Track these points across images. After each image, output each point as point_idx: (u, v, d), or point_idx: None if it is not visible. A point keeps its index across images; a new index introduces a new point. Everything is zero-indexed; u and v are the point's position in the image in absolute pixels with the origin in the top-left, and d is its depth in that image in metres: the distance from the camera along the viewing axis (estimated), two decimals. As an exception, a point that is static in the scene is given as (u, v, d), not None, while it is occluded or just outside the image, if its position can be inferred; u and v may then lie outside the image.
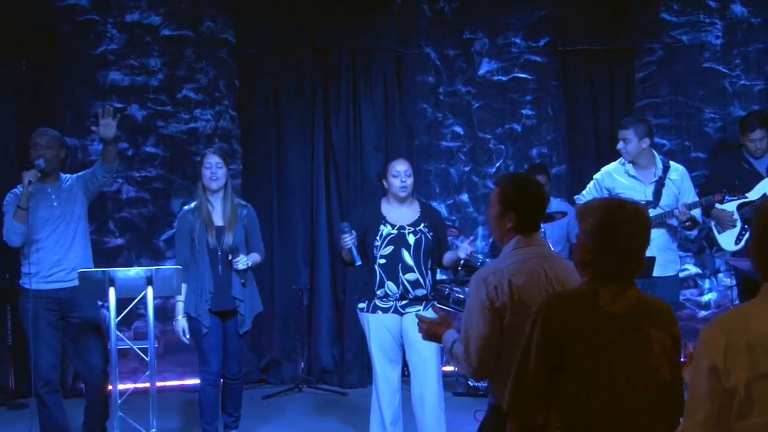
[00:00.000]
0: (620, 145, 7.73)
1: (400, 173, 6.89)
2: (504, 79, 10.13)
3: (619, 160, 7.88)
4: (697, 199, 7.73)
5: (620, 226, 3.49)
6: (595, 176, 7.99)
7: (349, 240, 6.78)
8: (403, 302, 6.80)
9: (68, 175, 7.32)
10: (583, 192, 7.94)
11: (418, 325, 4.73)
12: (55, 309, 7.00)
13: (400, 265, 6.77)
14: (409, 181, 6.90)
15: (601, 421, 3.40)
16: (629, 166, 7.75)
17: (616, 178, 7.78)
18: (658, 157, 7.83)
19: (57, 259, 7.04)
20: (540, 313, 3.49)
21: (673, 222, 7.67)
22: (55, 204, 7.07)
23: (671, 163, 7.90)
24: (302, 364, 9.69)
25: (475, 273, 4.37)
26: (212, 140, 9.63)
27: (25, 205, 6.85)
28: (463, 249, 6.81)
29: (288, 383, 9.67)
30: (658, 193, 7.70)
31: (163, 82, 9.68)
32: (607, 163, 8.04)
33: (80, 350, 7.21)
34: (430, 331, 4.59)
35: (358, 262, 6.84)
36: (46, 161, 7.01)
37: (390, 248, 6.79)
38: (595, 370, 3.41)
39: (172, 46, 9.68)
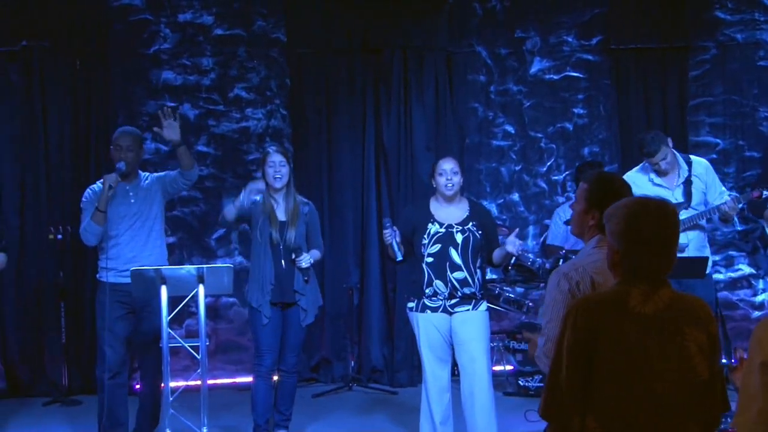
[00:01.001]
0: (664, 166, 7.67)
1: (446, 171, 6.88)
2: (556, 77, 10.10)
3: (638, 168, 7.86)
4: (726, 191, 7.66)
5: (644, 223, 3.43)
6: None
7: (389, 235, 6.79)
8: (452, 301, 6.77)
9: (147, 174, 7.41)
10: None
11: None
12: (126, 303, 7.06)
13: (447, 263, 6.75)
14: (456, 179, 6.88)
15: (639, 423, 3.35)
16: (653, 175, 7.71)
17: (641, 188, 7.62)
18: (679, 156, 7.78)
19: (132, 256, 7.11)
20: (570, 316, 3.45)
21: (703, 222, 7.62)
22: (132, 201, 7.16)
23: (692, 157, 7.85)
24: (352, 362, 9.70)
25: (555, 268, 4.33)
26: (263, 139, 9.65)
27: (103, 207, 6.96)
28: (512, 243, 6.76)
29: (338, 382, 9.69)
30: (688, 194, 7.67)
31: (215, 81, 9.72)
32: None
33: (140, 346, 7.27)
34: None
35: (399, 258, 6.84)
36: (127, 164, 7.11)
37: (437, 246, 6.78)
38: (628, 372, 3.34)
39: (224, 45, 9.72)
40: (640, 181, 7.74)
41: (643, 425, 3.35)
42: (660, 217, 3.44)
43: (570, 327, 3.41)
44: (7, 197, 9.31)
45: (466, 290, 6.75)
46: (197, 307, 6.74)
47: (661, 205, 3.51)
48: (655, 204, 3.51)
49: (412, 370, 9.58)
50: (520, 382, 8.94)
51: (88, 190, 7.32)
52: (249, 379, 8.94)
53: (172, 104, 9.50)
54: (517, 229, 6.99)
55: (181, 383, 7.23)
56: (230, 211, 7.20)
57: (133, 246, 7.14)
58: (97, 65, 9.51)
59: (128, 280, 6.92)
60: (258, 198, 7.12)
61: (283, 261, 7.18)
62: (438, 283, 6.75)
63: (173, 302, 6.68)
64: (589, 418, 3.38)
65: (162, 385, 6.89)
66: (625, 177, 7.68)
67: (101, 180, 7.28)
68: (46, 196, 9.36)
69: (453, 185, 6.86)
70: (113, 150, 7.23)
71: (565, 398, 3.40)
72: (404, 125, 9.83)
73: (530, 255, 8.76)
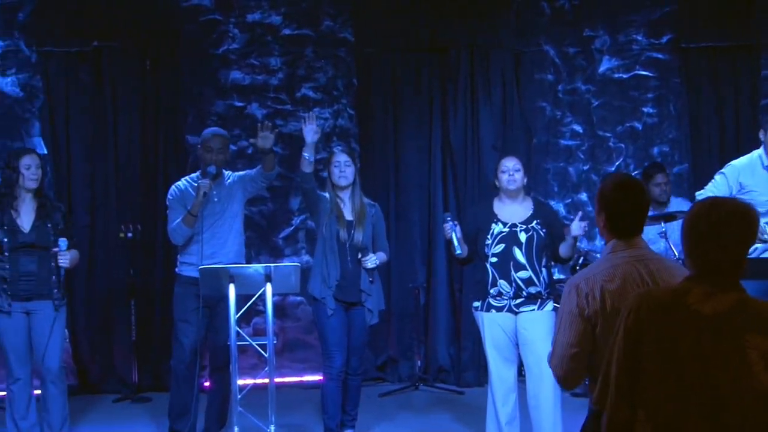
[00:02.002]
0: None
1: (509, 168, 6.86)
2: (625, 76, 10.02)
3: (753, 154, 7.58)
4: None
5: (703, 223, 3.35)
6: (723, 170, 7.64)
7: (449, 229, 6.77)
8: (518, 301, 6.74)
9: (230, 173, 7.49)
10: (706, 187, 7.67)
11: None
12: (205, 297, 7.09)
13: (511, 263, 6.71)
14: (518, 176, 6.85)
15: (688, 423, 3.29)
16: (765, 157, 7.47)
17: (755, 173, 7.46)
18: None
19: (211, 253, 7.20)
20: (626, 309, 3.41)
21: None
22: (215, 200, 7.24)
23: None
24: (419, 362, 9.68)
25: (570, 278, 4.29)
26: (330, 139, 9.68)
27: (195, 212, 7.07)
28: (576, 226, 6.70)
29: (405, 381, 9.69)
30: None
31: (282, 81, 9.76)
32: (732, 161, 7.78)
33: (212, 342, 7.35)
34: None
35: (458, 252, 6.81)
36: (218, 166, 7.21)
37: (501, 246, 6.74)
38: (678, 371, 3.28)
39: (291, 45, 9.76)
40: (754, 166, 7.49)
41: (692, 426, 3.29)
42: (721, 218, 3.35)
43: (623, 321, 3.38)
44: (77, 196, 9.42)
45: (532, 290, 6.72)
46: (265, 305, 6.75)
47: (729, 206, 3.40)
48: (724, 204, 3.43)
49: (478, 370, 9.54)
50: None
51: (173, 187, 7.42)
52: (316, 377, 9.00)
53: (240, 104, 9.60)
54: (581, 212, 6.91)
55: (249, 381, 7.27)
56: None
57: (214, 243, 7.22)
58: (167, 65, 9.60)
59: None
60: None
61: (349, 260, 7.19)
62: (502, 283, 6.72)
63: (241, 301, 6.70)
64: (639, 411, 3.34)
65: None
66: (734, 161, 7.57)
67: (187, 177, 7.41)
68: (115, 194, 9.46)
69: (515, 181, 6.84)
70: (202, 151, 7.32)
71: (614, 392, 3.37)
72: (471, 124, 9.81)
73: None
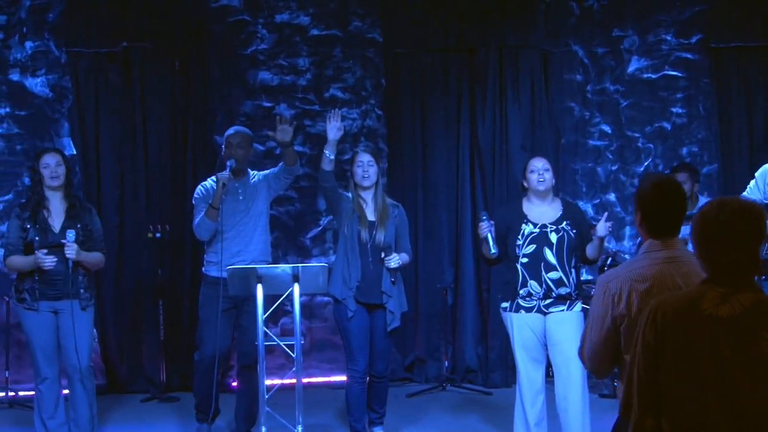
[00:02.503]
0: None
1: (538, 168, 6.83)
2: (654, 76, 9.98)
3: None
4: None
5: (709, 225, 3.34)
6: (756, 173, 7.63)
7: (485, 228, 6.75)
8: (547, 301, 6.71)
9: (255, 172, 7.54)
10: (744, 192, 7.61)
11: None
12: (229, 297, 7.14)
13: (542, 263, 6.69)
14: (547, 176, 6.82)
15: (712, 428, 3.26)
16: None
17: None
18: None
19: (237, 251, 7.25)
20: (643, 318, 3.39)
21: None
22: (240, 198, 7.29)
23: None
24: (446, 362, 9.67)
25: (601, 275, 4.27)
26: (358, 139, 9.68)
27: (217, 204, 7.11)
28: (601, 227, 6.67)
29: (432, 382, 9.68)
30: None
31: (311, 81, 9.77)
32: (763, 163, 7.71)
33: (242, 342, 7.37)
34: None
35: (493, 251, 6.80)
36: (237, 161, 7.25)
37: (532, 247, 6.72)
38: (697, 376, 3.25)
39: (320, 45, 9.76)
40: None
41: (714, 430, 3.26)
42: (729, 218, 3.34)
43: (641, 330, 3.37)
44: (106, 196, 9.46)
45: (562, 290, 6.69)
46: (292, 305, 6.76)
47: (735, 206, 3.38)
48: (730, 203, 3.40)
49: (506, 371, 9.53)
50: (615, 383, 8.83)
51: (199, 186, 7.48)
52: (343, 378, 8.99)
53: (269, 104, 9.61)
54: (607, 213, 6.86)
55: (277, 381, 7.28)
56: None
57: (239, 242, 7.28)
58: (196, 66, 9.64)
59: None
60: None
61: (370, 260, 7.18)
62: (533, 284, 6.70)
63: (269, 301, 6.72)
64: (663, 420, 3.32)
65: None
66: (765, 167, 7.48)
67: (213, 177, 7.43)
68: (144, 195, 9.51)
69: (545, 181, 6.81)
70: (225, 148, 7.38)
71: (636, 399, 3.35)
72: (499, 125, 9.80)
73: (626, 256, 8.69)
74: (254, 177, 7.47)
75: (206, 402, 7.36)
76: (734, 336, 3.25)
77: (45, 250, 6.85)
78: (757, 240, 3.37)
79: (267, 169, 9.29)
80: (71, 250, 6.87)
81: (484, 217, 6.85)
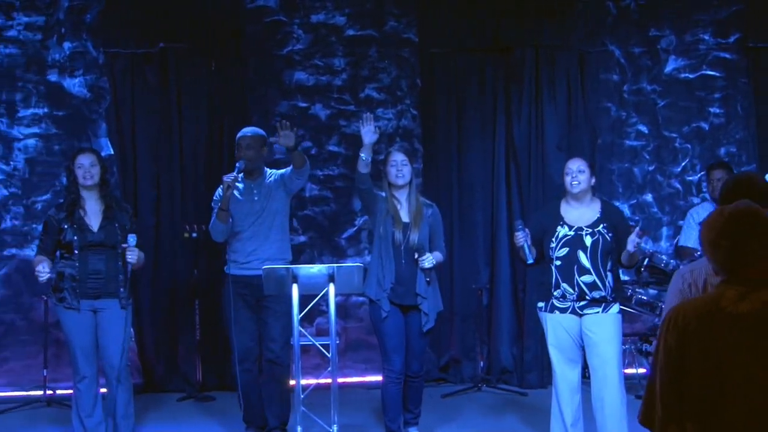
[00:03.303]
0: None
1: (572, 170, 6.78)
2: (691, 76, 9.94)
3: None
4: None
5: (713, 229, 3.34)
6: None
7: (521, 238, 6.73)
8: (581, 303, 6.68)
9: (272, 171, 7.54)
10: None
11: None
12: (249, 294, 7.23)
13: (575, 266, 6.65)
14: (582, 178, 6.75)
15: (738, 428, 3.23)
16: None
17: None
18: None
19: (253, 249, 7.29)
20: (665, 322, 3.37)
21: None
22: (255, 199, 7.31)
23: None
24: (482, 363, 9.66)
25: (678, 269, 4.26)
26: (394, 139, 9.67)
27: (225, 207, 7.13)
28: (631, 241, 6.58)
29: (467, 382, 9.66)
30: None
31: (346, 81, 9.77)
32: None
33: (265, 336, 7.39)
34: None
35: (530, 261, 6.76)
36: (246, 162, 7.25)
37: (565, 250, 6.68)
38: (721, 375, 3.23)
39: (355, 45, 9.77)
40: None
41: (746, 429, 3.24)
42: (742, 218, 3.33)
43: (663, 333, 3.35)
44: (143, 197, 9.51)
45: (595, 294, 6.63)
46: (328, 305, 6.77)
47: (744, 209, 3.38)
48: (744, 206, 3.39)
49: (542, 371, 9.51)
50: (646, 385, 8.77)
51: (219, 188, 7.49)
52: (378, 378, 8.98)
53: (304, 104, 9.63)
54: (637, 228, 6.80)
55: (312, 381, 7.29)
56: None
57: (255, 240, 7.30)
58: (232, 66, 9.67)
59: (248, 272, 7.16)
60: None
61: (404, 262, 7.18)
62: (565, 286, 6.67)
63: (303, 300, 6.73)
64: (687, 424, 3.29)
65: (292, 382, 6.95)
66: None
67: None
68: (180, 195, 9.55)
69: (579, 183, 6.75)
70: (236, 149, 7.42)
71: (659, 405, 3.33)
72: (535, 125, 9.77)
73: (663, 257, 8.63)
74: (270, 176, 7.48)
75: (251, 409, 7.44)
76: (756, 332, 3.25)
77: (45, 264, 6.88)
78: (762, 239, 3.36)
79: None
80: (133, 255, 6.96)
81: (520, 226, 6.78)
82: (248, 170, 7.30)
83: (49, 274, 6.89)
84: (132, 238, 6.95)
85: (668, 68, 9.94)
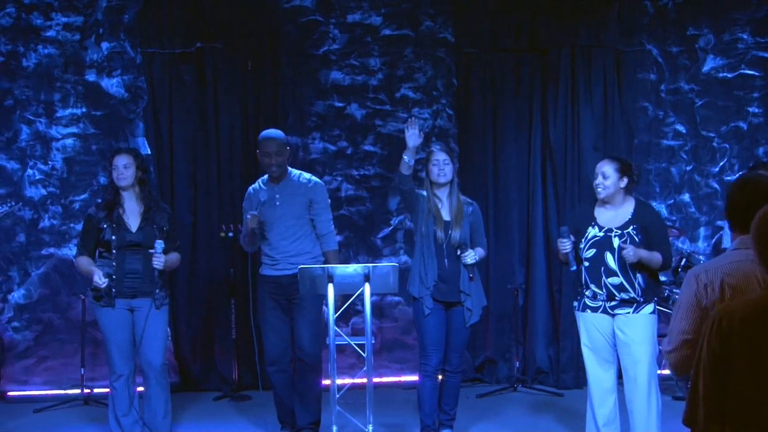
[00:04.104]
0: None
1: (597, 175, 6.76)
2: (730, 76, 9.88)
3: None
4: None
5: (762, 229, 3.30)
6: None
7: (568, 245, 6.70)
8: (612, 303, 6.64)
9: (297, 172, 7.53)
10: None
11: None
12: (279, 293, 7.27)
13: (603, 268, 6.62)
14: (607, 182, 6.68)
15: None
16: None
17: None
18: None
19: (281, 250, 7.32)
20: (707, 326, 3.34)
21: None
22: (277, 204, 7.33)
23: None
24: (517, 363, 9.63)
25: (691, 269, 4.21)
26: (430, 139, 9.64)
27: (250, 240, 7.37)
28: (625, 255, 6.57)
29: (503, 383, 9.65)
30: None
31: (382, 81, 9.77)
32: None
33: (296, 336, 7.40)
34: None
35: (573, 268, 6.75)
36: (277, 167, 7.30)
37: (593, 251, 6.65)
38: (762, 380, 3.20)
39: (391, 45, 9.77)
40: None
41: None
42: None
43: (707, 334, 3.32)
44: (179, 196, 9.55)
45: (624, 296, 6.59)
46: (363, 305, 6.77)
47: None
48: None
49: (578, 372, 9.46)
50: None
51: (249, 189, 7.56)
52: (413, 377, 9.00)
53: (340, 104, 9.64)
54: (627, 238, 6.72)
55: (347, 381, 7.29)
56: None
57: (284, 242, 7.34)
58: (268, 66, 9.69)
59: (279, 272, 7.23)
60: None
61: (446, 260, 7.18)
62: (594, 287, 6.65)
63: (339, 300, 6.73)
64: (730, 426, 3.26)
65: (327, 381, 6.96)
66: None
67: (262, 178, 7.52)
68: (217, 194, 9.58)
69: (604, 188, 6.71)
70: (262, 156, 7.38)
71: (702, 407, 3.30)
72: (571, 125, 9.74)
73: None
74: (297, 179, 7.48)
75: (284, 410, 7.48)
76: None
77: (101, 273, 6.95)
78: None
79: (337, 168, 9.38)
80: (159, 261, 6.99)
81: (566, 234, 6.74)
82: (277, 176, 7.35)
83: (107, 281, 6.97)
84: (159, 245, 6.98)
85: (706, 67, 9.89)
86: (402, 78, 9.80)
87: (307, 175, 7.58)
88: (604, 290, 6.61)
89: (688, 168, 9.94)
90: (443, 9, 9.77)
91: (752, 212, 3.95)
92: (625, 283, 6.57)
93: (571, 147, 9.72)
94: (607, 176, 6.70)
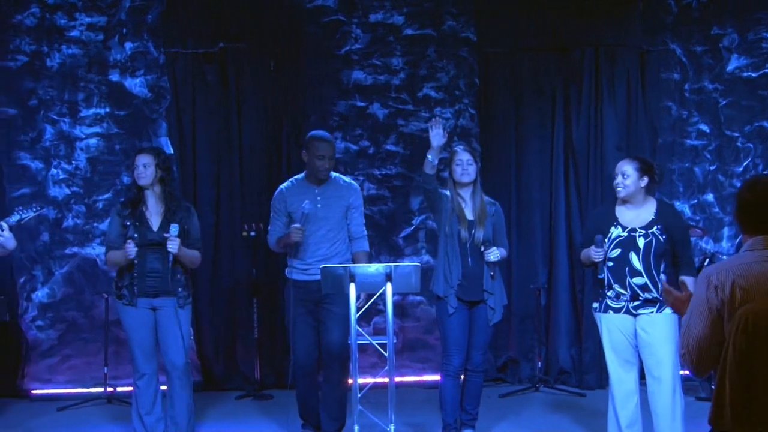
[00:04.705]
0: None
1: (617, 175, 6.76)
2: (754, 75, 9.84)
3: None
4: None
5: None
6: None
7: (602, 254, 6.68)
8: (635, 303, 6.63)
9: (338, 177, 7.52)
10: None
11: (662, 294, 4.55)
12: (309, 299, 7.23)
13: (627, 268, 6.61)
14: (627, 182, 6.68)
15: None
16: None
17: None
18: None
19: (319, 255, 7.25)
20: (733, 327, 3.32)
21: None
22: (319, 207, 7.27)
23: None
24: (539, 363, 9.62)
25: (704, 269, 4.19)
26: (452, 139, 9.61)
27: (283, 247, 7.36)
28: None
29: (525, 383, 9.65)
30: None
31: (404, 81, 9.76)
32: None
33: (324, 340, 7.38)
34: (675, 306, 4.39)
35: (601, 276, 6.73)
36: (327, 170, 7.32)
37: (617, 251, 6.64)
38: None
39: (414, 45, 9.75)
40: None
41: None
42: None
43: (733, 336, 3.31)
44: (202, 196, 9.57)
45: (648, 296, 6.58)
46: (385, 305, 6.76)
47: None
48: None
49: (600, 372, 9.43)
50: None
51: (277, 191, 7.51)
52: (435, 377, 8.99)
53: (362, 104, 9.64)
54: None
55: (369, 380, 7.29)
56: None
57: (319, 246, 7.28)
58: (291, 66, 9.69)
59: (310, 278, 7.13)
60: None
61: (470, 259, 7.18)
62: (618, 287, 6.64)
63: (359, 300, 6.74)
64: (756, 427, 3.25)
65: (350, 381, 6.95)
66: None
67: (293, 179, 7.50)
68: (239, 193, 9.61)
69: (623, 188, 6.71)
70: (310, 156, 7.31)
71: (728, 407, 3.29)
72: (594, 124, 9.71)
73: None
74: (338, 182, 7.47)
75: (311, 409, 7.46)
76: None
77: (130, 241, 6.98)
78: None
79: (359, 168, 9.37)
80: (174, 244, 6.96)
81: (600, 241, 6.70)
82: (323, 179, 7.34)
83: (136, 250, 6.98)
84: (174, 228, 6.99)
85: (730, 67, 9.84)
86: (424, 77, 9.79)
87: (345, 178, 7.60)
88: (628, 290, 6.59)
89: (711, 168, 9.90)
90: (466, 8, 9.75)
91: (762, 213, 3.95)
92: (649, 283, 6.56)
93: (594, 147, 9.70)
94: (626, 175, 6.69)
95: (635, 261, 6.59)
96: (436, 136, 7.06)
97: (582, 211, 9.61)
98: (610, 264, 6.66)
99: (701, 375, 4.20)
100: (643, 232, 6.63)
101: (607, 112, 9.70)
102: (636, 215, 6.73)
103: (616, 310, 6.67)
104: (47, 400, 9.06)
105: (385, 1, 9.70)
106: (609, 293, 6.68)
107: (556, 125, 9.83)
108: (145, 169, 7.13)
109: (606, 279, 6.68)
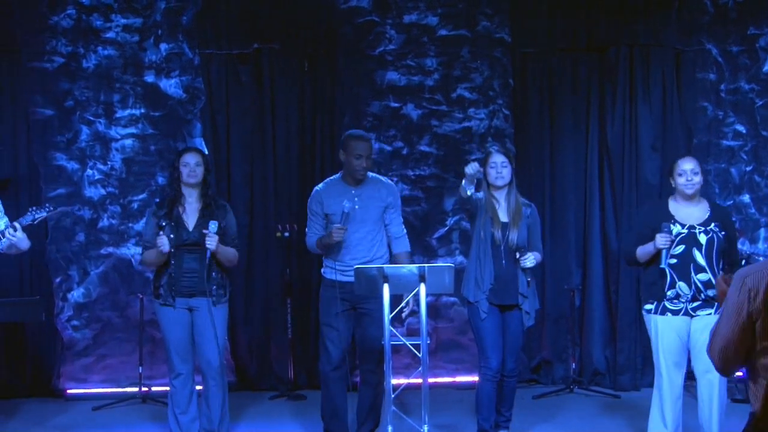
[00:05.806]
0: None
1: (686, 172, 6.78)
2: (791, 75, 9.75)
3: None
4: None
5: None
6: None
7: (667, 240, 6.66)
8: (695, 304, 6.66)
9: (377, 178, 7.50)
10: None
11: (716, 286, 4.53)
12: (348, 300, 7.18)
13: (692, 265, 6.64)
14: (696, 179, 6.78)
15: None
16: None
17: None
18: None
19: (359, 256, 7.21)
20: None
21: None
22: (357, 208, 7.23)
23: None
24: (573, 364, 9.59)
25: (739, 270, 4.17)
26: (485, 139, 9.62)
27: (323, 247, 7.30)
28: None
29: (559, 384, 9.63)
30: None
31: (438, 81, 9.74)
32: None
33: (363, 342, 7.38)
34: (722, 299, 4.37)
35: (662, 265, 6.70)
36: (365, 170, 7.28)
37: (681, 248, 6.66)
38: None
39: (448, 45, 9.72)
40: None
41: None
42: None
43: (759, 339, 3.29)
44: (236, 196, 9.62)
45: (710, 292, 6.61)
46: (419, 305, 6.75)
47: None
48: None
49: (635, 374, 9.45)
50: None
51: (314, 192, 7.47)
52: (469, 378, 9.00)
53: (396, 105, 9.63)
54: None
55: (403, 381, 7.27)
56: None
57: (357, 247, 7.23)
58: (325, 66, 9.72)
59: (350, 278, 7.05)
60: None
61: (504, 261, 7.15)
62: (681, 285, 6.65)
63: (395, 300, 6.72)
64: None
65: (383, 383, 6.96)
66: None
67: (329, 179, 7.49)
68: (273, 194, 9.64)
69: (694, 185, 6.77)
70: (348, 155, 7.27)
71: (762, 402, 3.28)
72: (629, 125, 9.69)
73: (760, 259, 8.48)
74: (375, 181, 7.44)
75: (336, 415, 7.41)
76: None
77: (162, 234, 7.03)
78: None
79: (393, 169, 9.37)
80: (212, 241, 7.00)
81: (667, 229, 6.70)
82: (361, 179, 7.31)
83: (167, 242, 7.02)
84: (213, 225, 7.02)
85: (767, 67, 9.76)
86: (458, 78, 9.76)
87: (382, 178, 7.58)
88: (692, 288, 6.63)
89: (747, 168, 9.82)
90: (500, 9, 9.72)
91: None
92: (712, 279, 6.60)
93: (629, 147, 9.67)
94: (696, 173, 6.81)
95: (699, 257, 6.64)
96: (472, 167, 6.99)
97: (617, 211, 9.59)
98: (673, 261, 6.68)
99: (725, 374, 4.19)
100: (703, 228, 6.69)
101: (642, 112, 9.67)
102: (691, 212, 6.79)
103: (675, 312, 6.70)
104: (82, 399, 9.12)
105: (419, 2, 9.68)
106: (669, 293, 6.69)
107: (590, 125, 9.82)
108: (198, 167, 7.22)
109: (668, 277, 6.69)
